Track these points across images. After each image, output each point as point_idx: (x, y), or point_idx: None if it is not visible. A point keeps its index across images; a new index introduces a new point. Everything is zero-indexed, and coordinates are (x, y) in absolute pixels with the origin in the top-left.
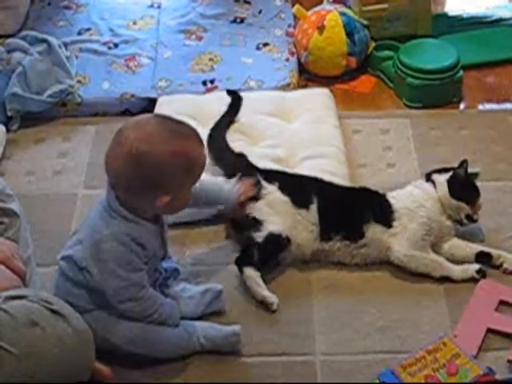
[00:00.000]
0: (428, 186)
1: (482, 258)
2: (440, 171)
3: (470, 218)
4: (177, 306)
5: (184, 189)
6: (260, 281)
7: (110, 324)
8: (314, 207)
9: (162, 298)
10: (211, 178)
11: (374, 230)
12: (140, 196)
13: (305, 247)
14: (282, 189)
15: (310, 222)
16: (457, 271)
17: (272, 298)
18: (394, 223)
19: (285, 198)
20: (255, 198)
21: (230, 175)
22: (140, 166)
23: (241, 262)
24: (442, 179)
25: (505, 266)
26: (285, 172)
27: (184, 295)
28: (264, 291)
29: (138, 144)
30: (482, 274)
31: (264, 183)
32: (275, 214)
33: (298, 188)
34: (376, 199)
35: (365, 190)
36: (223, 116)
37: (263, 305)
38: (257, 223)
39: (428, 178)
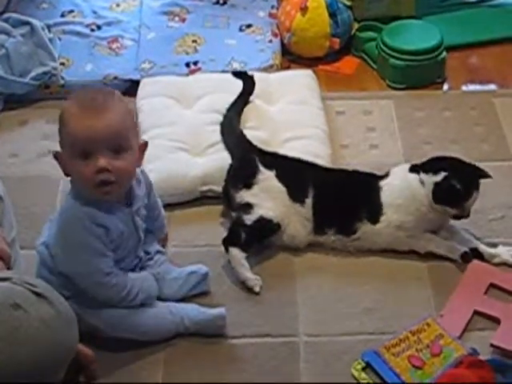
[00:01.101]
0: (416, 183)
1: (475, 254)
2: (428, 169)
3: (458, 217)
4: (153, 279)
5: (64, 150)
6: (244, 262)
7: (91, 311)
8: (309, 202)
9: (133, 280)
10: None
11: (365, 229)
12: None
13: (297, 239)
14: (279, 177)
15: (303, 216)
16: (442, 248)
17: (253, 281)
18: (381, 218)
19: (281, 187)
20: (250, 183)
21: (232, 156)
22: None
23: (227, 242)
24: (430, 181)
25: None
26: (285, 157)
27: (167, 277)
28: (247, 273)
29: None
30: (466, 259)
31: (261, 168)
32: (269, 199)
33: (296, 179)
34: (369, 191)
35: (362, 180)
36: (237, 97)
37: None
38: (248, 207)
39: (415, 170)
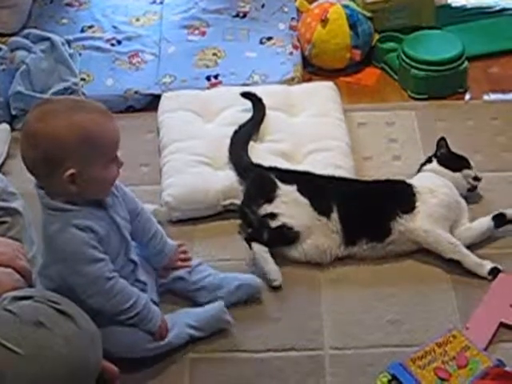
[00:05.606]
0: (439, 168)
1: (498, 218)
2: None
3: (477, 179)
4: (159, 313)
5: (93, 163)
6: (267, 256)
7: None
8: (334, 216)
9: (141, 297)
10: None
11: (400, 222)
12: (49, 176)
13: (322, 250)
14: (301, 191)
15: (330, 229)
16: (470, 260)
17: (274, 275)
18: (417, 203)
19: (304, 200)
20: (271, 198)
21: (244, 179)
22: (36, 144)
23: (250, 238)
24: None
25: None
26: (303, 173)
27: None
28: (269, 265)
29: (32, 123)
30: (494, 274)
31: (280, 184)
32: (292, 209)
33: (317, 194)
34: (399, 187)
35: (387, 182)
36: (249, 120)
37: (266, 281)
38: (273, 215)
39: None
